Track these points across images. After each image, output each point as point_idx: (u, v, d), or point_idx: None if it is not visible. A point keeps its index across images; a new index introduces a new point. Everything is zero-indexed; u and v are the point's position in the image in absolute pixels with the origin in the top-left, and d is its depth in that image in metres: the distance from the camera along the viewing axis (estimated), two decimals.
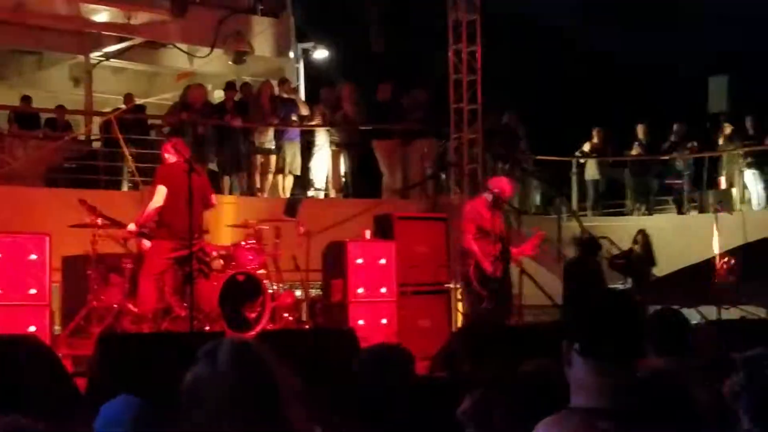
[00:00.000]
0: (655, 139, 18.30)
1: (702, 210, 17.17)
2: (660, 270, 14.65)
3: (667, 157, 18.09)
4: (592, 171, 18.52)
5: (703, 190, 17.77)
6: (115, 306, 10.38)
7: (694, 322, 12.13)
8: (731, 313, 12.28)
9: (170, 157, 10.29)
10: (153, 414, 3.61)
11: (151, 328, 9.92)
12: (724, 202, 15.39)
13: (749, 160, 17.51)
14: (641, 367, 4.86)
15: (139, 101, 16.13)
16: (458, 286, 13.73)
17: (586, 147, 18.59)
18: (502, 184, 11.48)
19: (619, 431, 2.70)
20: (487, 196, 11.17)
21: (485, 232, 10.96)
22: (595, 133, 18.47)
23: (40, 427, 2.62)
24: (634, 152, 18.42)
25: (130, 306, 10.33)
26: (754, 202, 17.43)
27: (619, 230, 16.59)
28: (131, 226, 10.28)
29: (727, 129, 17.78)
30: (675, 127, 18.07)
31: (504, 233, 11.30)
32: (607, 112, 19.63)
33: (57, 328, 10.89)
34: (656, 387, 3.68)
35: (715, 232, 11.42)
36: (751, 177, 17.53)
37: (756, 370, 3.70)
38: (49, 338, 9.74)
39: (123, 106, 15.32)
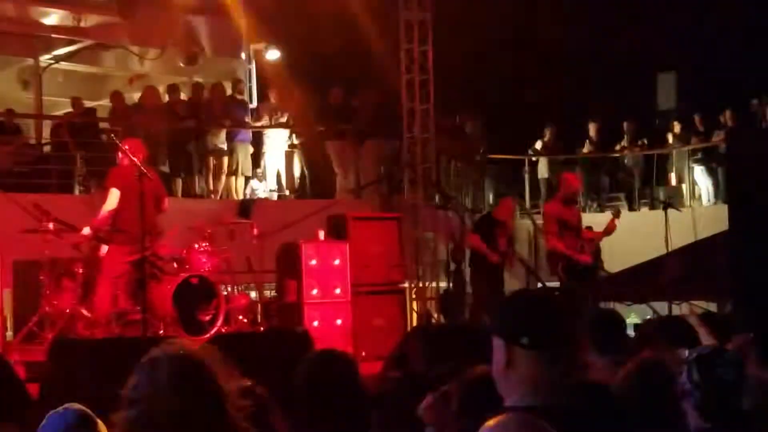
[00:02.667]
0: (606, 137, 18.49)
1: (653, 206, 17.33)
2: (611, 266, 14.78)
3: (617, 155, 18.27)
4: (544, 169, 18.64)
5: (653, 186, 17.96)
6: (68, 311, 10.32)
7: (647, 317, 12.34)
8: (683, 309, 12.43)
9: (123, 159, 10.22)
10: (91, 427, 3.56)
11: (105, 333, 9.87)
12: (674, 199, 15.56)
13: (698, 156, 17.74)
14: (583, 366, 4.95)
15: (89, 104, 16.01)
16: (412, 285, 13.81)
17: (538, 145, 18.72)
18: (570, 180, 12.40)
19: (566, 429, 2.73)
20: (561, 195, 12.01)
21: (567, 226, 11.57)
22: (547, 131, 18.60)
23: None
24: (585, 150, 18.59)
25: (83, 311, 10.27)
26: (704, 198, 17.65)
27: None
28: (86, 230, 10.22)
29: (676, 127, 18.01)
30: (625, 124, 18.26)
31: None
32: (558, 111, 19.77)
33: (9, 333, 10.80)
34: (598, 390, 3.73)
35: (666, 228, 11.53)
36: (700, 173, 17.77)
37: (708, 368, 3.76)
38: (0, 344, 9.66)
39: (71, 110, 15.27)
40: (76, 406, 3.52)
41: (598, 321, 5.22)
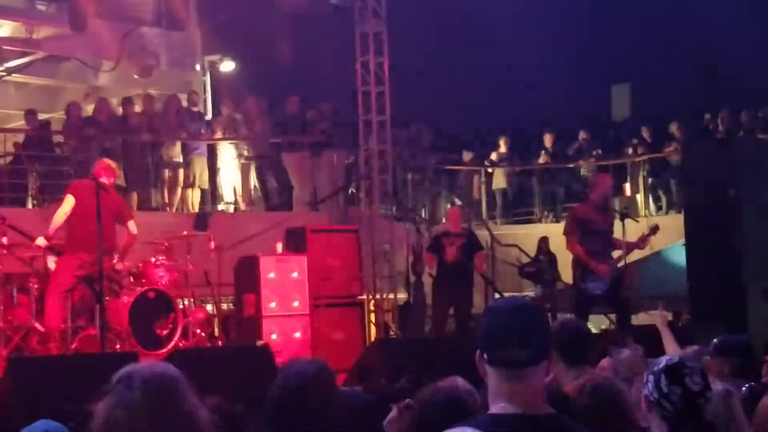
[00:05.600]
0: (562, 147, 18.62)
1: None
2: (568, 276, 14.86)
3: (572, 165, 18.40)
4: (499, 179, 18.74)
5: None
6: (22, 326, 10.18)
7: (602, 327, 12.40)
8: (639, 319, 12.53)
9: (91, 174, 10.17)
10: None
11: (60, 348, 9.75)
12: (630, 209, 15.66)
13: (651, 167, 17.91)
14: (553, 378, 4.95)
15: (42, 116, 15.84)
16: (370, 297, 13.79)
17: (494, 156, 18.82)
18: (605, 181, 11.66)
19: None
20: (593, 198, 11.11)
21: (593, 231, 10.81)
22: (502, 142, 18.70)
23: None
24: (541, 160, 18.70)
25: (38, 326, 10.15)
26: (654, 207, 17.83)
27: (528, 238, 16.80)
28: (40, 240, 10.11)
29: (632, 138, 18.12)
30: (580, 135, 18.41)
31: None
32: (513, 122, 19.89)
33: None
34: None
35: (623, 238, 11.56)
36: (654, 184, 17.94)
37: (676, 378, 3.77)
38: None
39: (23, 122, 15.12)
40: (54, 423, 3.48)
41: (565, 333, 5.19)
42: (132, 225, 10.48)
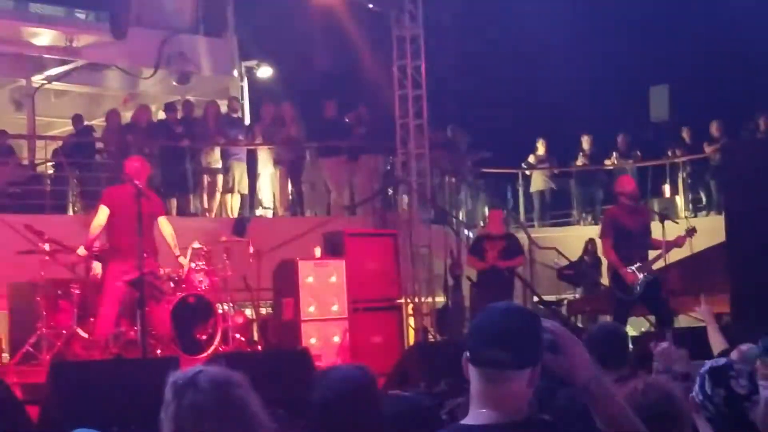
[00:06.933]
0: (600, 149, 18.53)
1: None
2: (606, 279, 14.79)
3: (611, 167, 18.30)
4: (537, 182, 18.67)
5: (648, 198, 17.96)
6: (65, 332, 10.27)
7: (642, 329, 12.30)
8: (679, 321, 12.43)
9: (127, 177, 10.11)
10: None
11: (102, 354, 9.81)
12: (669, 210, 15.56)
13: (691, 168, 17.78)
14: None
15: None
16: (409, 301, 13.79)
17: (531, 158, 18.75)
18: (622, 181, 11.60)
19: None
20: (621, 200, 11.05)
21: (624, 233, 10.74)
22: (539, 144, 18.64)
23: None
24: (579, 163, 18.62)
25: (80, 331, 10.23)
26: (696, 208, 17.71)
27: (566, 240, 16.73)
28: (81, 251, 10.18)
29: (683, 134, 17.95)
30: (619, 137, 18.31)
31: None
32: (551, 124, 19.81)
33: (5, 355, 10.76)
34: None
35: (662, 240, 11.47)
36: (693, 185, 17.81)
37: (720, 380, 3.74)
38: None
39: (70, 128, 15.26)
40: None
41: (600, 337, 5.14)
42: (162, 221, 10.41)
